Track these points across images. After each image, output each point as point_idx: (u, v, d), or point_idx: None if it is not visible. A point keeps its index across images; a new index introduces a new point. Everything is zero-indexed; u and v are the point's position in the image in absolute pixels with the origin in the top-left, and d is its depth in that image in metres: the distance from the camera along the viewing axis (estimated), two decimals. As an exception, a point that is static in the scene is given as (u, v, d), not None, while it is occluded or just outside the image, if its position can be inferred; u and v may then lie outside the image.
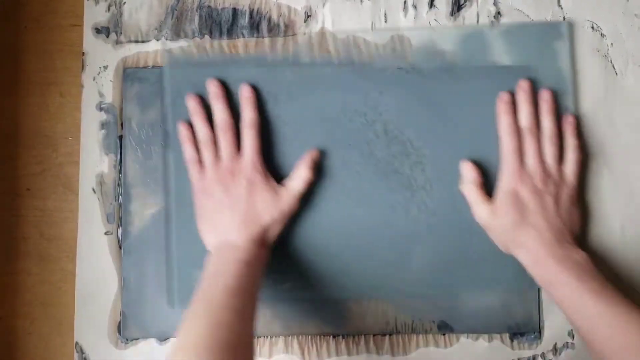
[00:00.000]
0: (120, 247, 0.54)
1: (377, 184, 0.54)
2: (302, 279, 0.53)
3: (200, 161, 0.52)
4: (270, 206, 0.50)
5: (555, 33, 0.55)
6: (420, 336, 0.54)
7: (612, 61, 0.55)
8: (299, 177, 0.51)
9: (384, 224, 0.53)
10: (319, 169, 0.53)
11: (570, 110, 0.54)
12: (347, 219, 0.53)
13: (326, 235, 0.53)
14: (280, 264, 0.53)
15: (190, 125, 0.53)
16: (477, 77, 0.54)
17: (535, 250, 0.48)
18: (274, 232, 0.51)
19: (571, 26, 0.55)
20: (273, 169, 0.53)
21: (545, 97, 0.52)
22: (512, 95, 0.53)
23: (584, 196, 0.54)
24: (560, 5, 0.56)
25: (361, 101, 0.54)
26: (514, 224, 0.49)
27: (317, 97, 0.54)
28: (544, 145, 0.51)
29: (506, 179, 0.51)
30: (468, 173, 0.52)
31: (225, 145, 0.51)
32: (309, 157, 0.52)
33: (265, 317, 0.53)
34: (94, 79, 0.55)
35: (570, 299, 0.45)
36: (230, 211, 0.50)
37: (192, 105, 0.53)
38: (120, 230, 0.54)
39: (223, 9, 0.56)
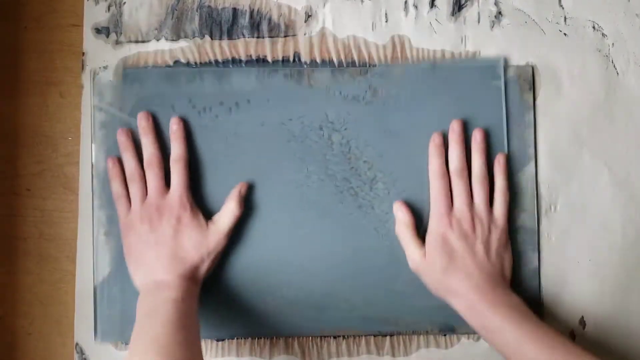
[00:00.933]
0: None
1: (335, 203, 0.54)
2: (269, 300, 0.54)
3: (128, 197, 0.51)
4: (198, 244, 0.49)
5: (493, 73, 0.54)
6: (421, 337, 0.54)
7: (614, 61, 0.55)
8: (227, 213, 0.51)
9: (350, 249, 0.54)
10: (247, 200, 0.52)
11: (503, 149, 0.53)
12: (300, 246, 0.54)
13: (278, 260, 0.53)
14: (239, 284, 0.53)
15: (120, 161, 0.52)
16: (422, 108, 0.54)
17: (467, 296, 0.47)
18: (204, 269, 0.50)
19: (507, 63, 0.55)
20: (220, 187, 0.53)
21: (477, 138, 0.52)
22: (445, 136, 0.52)
23: (584, 196, 0.54)
24: (561, 5, 0.56)
25: (320, 118, 0.54)
26: (443, 269, 0.48)
27: (274, 110, 0.54)
28: (474, 188, 0.51)
29: (434, 223, 0.50)
30: (400, 214, 0.52)
31: (152, 180, 0.50)
32: (236, 191, 0.52)
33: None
34: (94, 79, 0.55)
35: (508, 345, 0.44)
36: (157, 250, 0.49)
37: (122, 140, 0.52)
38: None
39: (223, 8, 0.56)
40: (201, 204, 0.52)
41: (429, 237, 0.50)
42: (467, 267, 0.48)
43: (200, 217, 0.51)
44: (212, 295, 0.53)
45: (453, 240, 0.49)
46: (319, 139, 0.54)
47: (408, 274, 0.52)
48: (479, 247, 0.49)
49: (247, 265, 0.53)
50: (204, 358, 0.53)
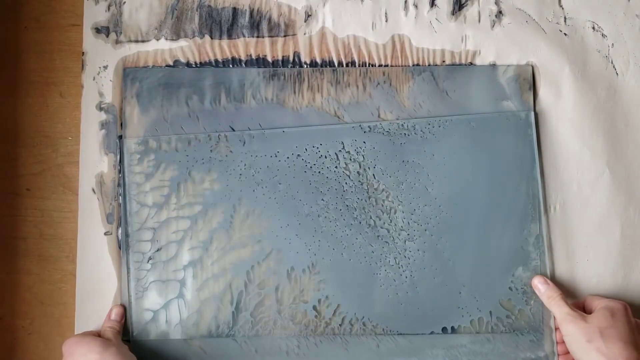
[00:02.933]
0: (120, 247, 0.54)
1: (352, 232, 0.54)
2: None
3: None
4: None
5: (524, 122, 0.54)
6: (421, 336, 0.54)
7: (613, 61, 0.55)
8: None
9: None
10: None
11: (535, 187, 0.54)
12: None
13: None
14: None
15: None
16: (439, 140, 0.54)
17: None
18: None
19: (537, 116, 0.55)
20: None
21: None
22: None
23: (584, 196, 0.54)
24: (561, 6, 0.56)
25: (336, 147, 0.54)
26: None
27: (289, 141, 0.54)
28: None
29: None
30: (546, 287, 0.52)
31: None
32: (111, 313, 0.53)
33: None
34: (94, 79, 0.55)
35: None
36: None
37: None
38: (120, 230, 0.54)
39: (223, 8, 0.56)
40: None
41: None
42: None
43: None
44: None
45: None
46: (336, 168, 0.54)
47: (428, 303, 0.53)
48: None
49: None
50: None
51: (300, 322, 0.53)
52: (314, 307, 0.53)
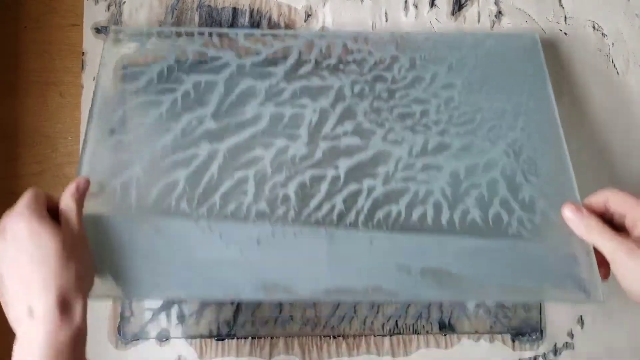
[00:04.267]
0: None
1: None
2: None
3: None
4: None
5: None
6: (421, 337, 0.54)
7: (614, 61, 0.55)
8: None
9: None
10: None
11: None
12: None
13: None
14: None
15: None
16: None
17: None
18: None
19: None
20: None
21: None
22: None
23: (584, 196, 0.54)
24: (561, 5, 0.56)
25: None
26: None
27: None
28: None
29: None
30: (580, 215, 0.43)
31: None
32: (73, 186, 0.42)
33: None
34: (94, 79, 0.55)
35: None
36: None
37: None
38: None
39: (223, 8, 0.56)
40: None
41: None
42: None
43: None
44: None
45: None
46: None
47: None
48: None
49: None
50: (203, 358, 0.53)
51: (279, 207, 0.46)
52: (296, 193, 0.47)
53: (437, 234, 0.46)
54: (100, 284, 0.42)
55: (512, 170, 0.48)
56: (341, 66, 0.51)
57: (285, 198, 0.46)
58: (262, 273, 0.43)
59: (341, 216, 0.46)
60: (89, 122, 0.48)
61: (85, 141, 0.47)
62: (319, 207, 0.46)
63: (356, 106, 0.50)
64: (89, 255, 0.41)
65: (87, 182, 0.44)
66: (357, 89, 0.51)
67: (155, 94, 0.50)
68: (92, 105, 0.49)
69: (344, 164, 0.48)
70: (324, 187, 0.47)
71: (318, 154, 0.48)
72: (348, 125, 0.49)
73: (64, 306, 0.37)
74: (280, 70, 0.51)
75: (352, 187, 0.47)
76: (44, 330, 0.36)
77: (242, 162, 0.47)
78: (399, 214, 0.46)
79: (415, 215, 0.46)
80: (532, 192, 0.47)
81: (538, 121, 0.50)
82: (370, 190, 0.47)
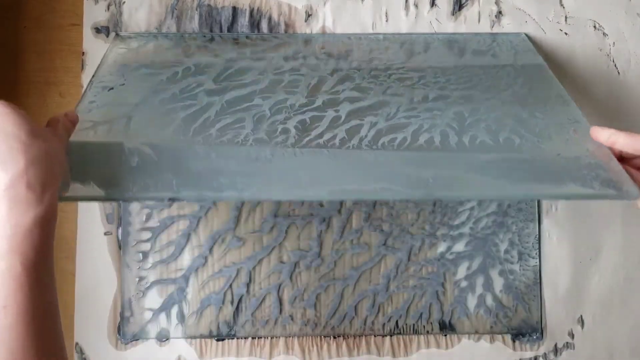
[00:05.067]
0: (120, 247, 0.54)
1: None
2: None
3: None
4: None
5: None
6: (422, 337, 0.54)
7: (614, 60, 0.55)
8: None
9: None
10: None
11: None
12: None
13: None
14: None
15: None
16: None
17: None
18: None
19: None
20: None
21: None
22: None
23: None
24: (562, 5, 0.55)
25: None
26: None
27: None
28: None
29: None
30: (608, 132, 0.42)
31: None
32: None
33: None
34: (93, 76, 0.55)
35: None
36: None
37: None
38: (120, 230, 0.54)
39: (223, 7, 0.56)
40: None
41: None
42: None
43: None
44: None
45: None
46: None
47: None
48: None
49: None
50: (203, 358, 0.53)
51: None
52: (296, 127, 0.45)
53: (447, 152, 0.43)
54: (90, 188, 0.39)
55: (518, 110, 0.46)
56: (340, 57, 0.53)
57: (285, 130, 0.44)
58: (259, 178, 0.40)
59: (343, 142, 0.43)
60: (85, 90, 0.47)
61: (82, 96, 0.47)
62: (320, 135, 0.44)
63: (354, 74, 0.51)
64: (63, 157, 0.38)
65: (77, 116, 0.42)
66: (354, 64, 0.51)
67: (155, 69, 0.50)
68: (91, 77, 0.49)
69: (344, 109, 0.47)
70: (325, 122, 0.45)
71: (318, 103, 0.47)
72: (347, 85, 0.49)
73: (30, 183, 0.34)
74: (279, 55, 0.52)
75: (354, 122, 0.45)
76: (7, 205, 0.33)
77: (241, 108, 0.46)
78: (404, 139, 0.44)
79: (422, 139, 0.44)
80: (542, 124, 0.45)
81: (537, 78, 0.50)
82: (373, 124, 0.45)
